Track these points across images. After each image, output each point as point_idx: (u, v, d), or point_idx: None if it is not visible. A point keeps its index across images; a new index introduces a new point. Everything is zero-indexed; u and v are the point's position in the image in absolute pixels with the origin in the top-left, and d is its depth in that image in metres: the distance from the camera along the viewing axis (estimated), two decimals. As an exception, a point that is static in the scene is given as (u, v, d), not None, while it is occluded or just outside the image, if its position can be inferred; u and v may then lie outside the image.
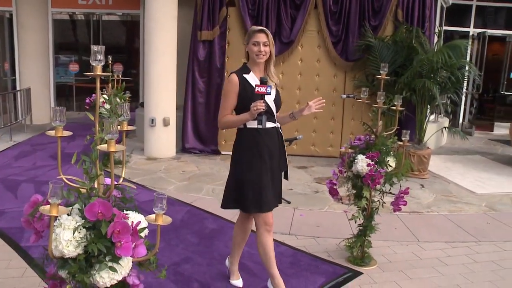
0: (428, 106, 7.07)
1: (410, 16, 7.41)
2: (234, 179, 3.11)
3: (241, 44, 7.72)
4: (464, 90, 9.38)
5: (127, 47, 12.67)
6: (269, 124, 3.01)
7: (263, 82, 2.87)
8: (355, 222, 3.80)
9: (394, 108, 3.77)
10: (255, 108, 2.82)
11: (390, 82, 6.68)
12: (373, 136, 3.68)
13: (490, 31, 11.50)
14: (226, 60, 7.72)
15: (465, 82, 7.79)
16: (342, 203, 3.78)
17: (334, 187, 3.74)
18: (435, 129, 8.21)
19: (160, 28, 7.19)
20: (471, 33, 11.63)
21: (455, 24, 11.42)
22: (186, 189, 5.81)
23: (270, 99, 3.03)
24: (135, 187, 1.96)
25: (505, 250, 4.33)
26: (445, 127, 7.93)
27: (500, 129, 11.93)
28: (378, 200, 3.75)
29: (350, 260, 3.83)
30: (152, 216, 1.84)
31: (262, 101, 2.83)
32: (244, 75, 3.07)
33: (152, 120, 7.33)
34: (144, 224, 1.85)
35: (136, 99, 10.49)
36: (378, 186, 3.61)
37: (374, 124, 3.70)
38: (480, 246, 4.38)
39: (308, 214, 5.03)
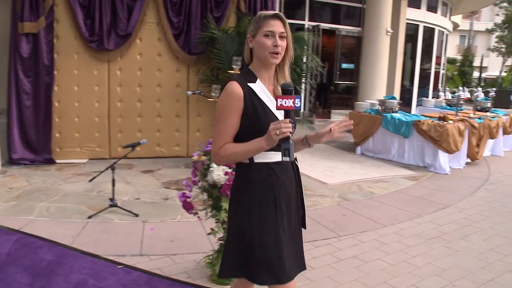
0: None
1: (253, 7, 7.26)
2: (238, 237, 2.13)
3: (72, 39, 6.84)
4: (303, 80, 9.66)
5: None
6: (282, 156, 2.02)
7: (287, 91, 1.90)
8: (215, 236, 3.40)
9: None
10: (277, 132, 1.86)
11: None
12: (228, 139, 3.29)
13: (323, 25, 12.08)
14: (55, 56, 6.76)
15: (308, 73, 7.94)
16: (199, 217, 3.34)
17: (188, 200, 3.29)
18: (281, 121, 8.23)
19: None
20: (306, 26, 12.07)
21: (292, 17, 11.73)
22: (15, 211, 4.83)
23: (280, 118, 2.01)
24: None
25: (363, 242, 4.34)
26: (292, 119, 7.98)
27: (336, 116, 12.75)
28: (239, 209, 3.40)
29: (214, 279, 3.40)
30: None
31: (288, 120, 1.89)
32: (250, 85, 2.07)
33: (-35, 129, 6.11)
34: None
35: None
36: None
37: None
38: (341, 241, 4.33)
39: (159, 227, 4.49)
